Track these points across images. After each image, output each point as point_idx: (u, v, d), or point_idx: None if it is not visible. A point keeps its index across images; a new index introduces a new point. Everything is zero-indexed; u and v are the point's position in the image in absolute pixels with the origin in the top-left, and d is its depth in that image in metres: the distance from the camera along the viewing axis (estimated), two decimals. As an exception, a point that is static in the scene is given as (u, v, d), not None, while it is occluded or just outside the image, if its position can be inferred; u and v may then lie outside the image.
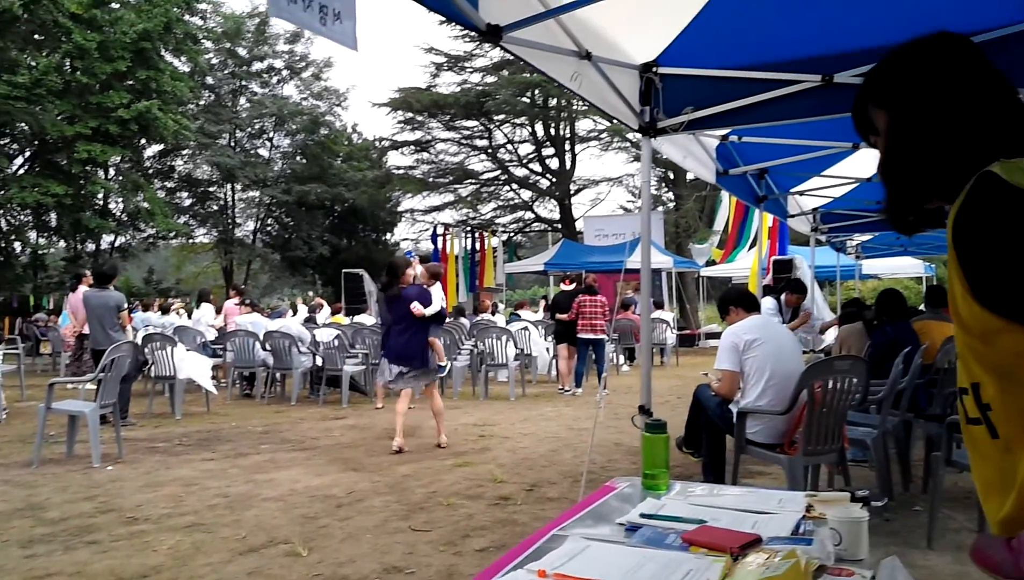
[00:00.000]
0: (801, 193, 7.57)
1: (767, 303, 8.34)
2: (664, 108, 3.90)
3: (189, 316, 14.71)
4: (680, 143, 4.88)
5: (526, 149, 31.00)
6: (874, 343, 5.93)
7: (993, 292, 1.09)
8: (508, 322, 13.65)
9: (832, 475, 5.14)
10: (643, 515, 1.90)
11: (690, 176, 23.12)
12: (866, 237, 11.91)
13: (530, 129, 30.10)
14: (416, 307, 6.88)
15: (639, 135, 4.05)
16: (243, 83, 33.06)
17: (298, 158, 33.67)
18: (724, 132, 5.24)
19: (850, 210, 8.36)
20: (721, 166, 5.79)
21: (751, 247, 14.74)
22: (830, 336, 9.39)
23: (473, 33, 2.66)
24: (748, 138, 5.45)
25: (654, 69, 3.80)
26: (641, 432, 2.28)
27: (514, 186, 31.08)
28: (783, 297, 8.43)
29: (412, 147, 30.57)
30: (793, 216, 8.45)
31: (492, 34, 2.57)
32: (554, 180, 30.03)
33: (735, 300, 4.98)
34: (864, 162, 5.89)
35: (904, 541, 4.23)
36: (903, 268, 19.28)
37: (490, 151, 30.52)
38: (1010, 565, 1.06)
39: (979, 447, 1.18)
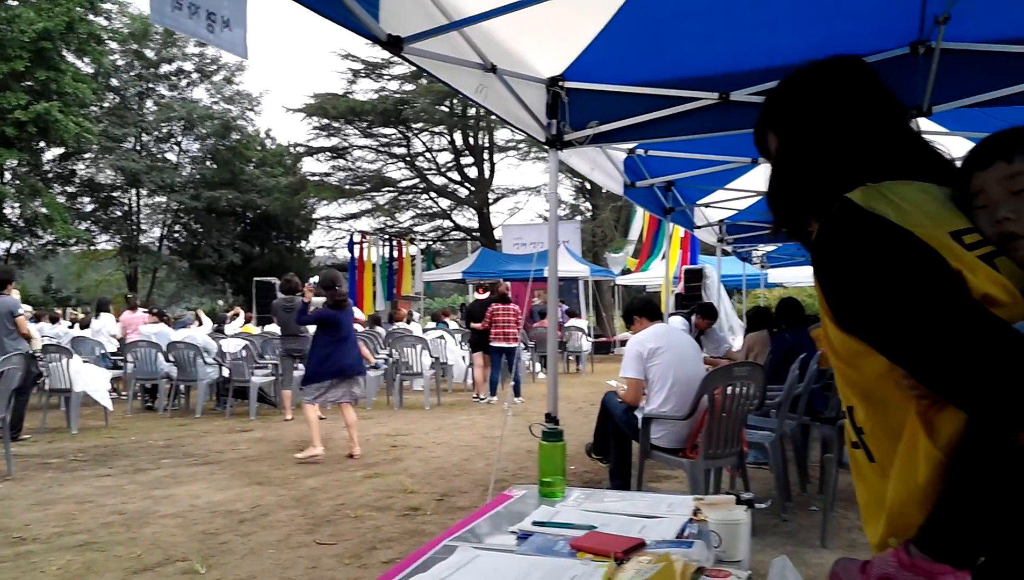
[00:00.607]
0: (707, 205, 7.82)
1: (676, 322, 8.54)
2: (571, 121, 3.97)
3: (82, 327, 14.05)
4: (588, 156, 4.97)
5: (445, 158, 30.96)
6: (774, 349, 6.17)
7: (850, 317, 1.10)
8: (428, 329, 13.60)
9: (733, 477, 5.31)
10: (535, 523, 1.93)
11: (605, 187, 23.51)
12: (770, 247, 12.38)
13: (449, 138, 30.07)
14: (360, 315, 7.06)
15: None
16: (150, 85, 31.87)
17: (208, 163, 32.67)
18: (631, 145, 5.37)
19: (753, 222, 8.68)
20: (629, 178, 5.93)
21: (664, 257, 15.13)
22: (738, 343, 9.71)
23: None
24: (654, 152, 5.60)
25: (560, 83, 3.87)
26: (538, 441, 2.31)
27: (432, 194, 30.95)
28: (693, 318, 8.63)
29: (328, 153, 30.07)
30: (700, 227, 8.72)
31: (393, 45, 2.57)
32: (473, 189, 30.08)
33: (638, 310, 5.12)
34: (764, 176, 6.13)
35: (800, 540, 4.41)
36: (807, 277, 20.07)
37: (408, 159, 30.32)
38: None
39: (861, 471, 1.19)
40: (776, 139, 1.34)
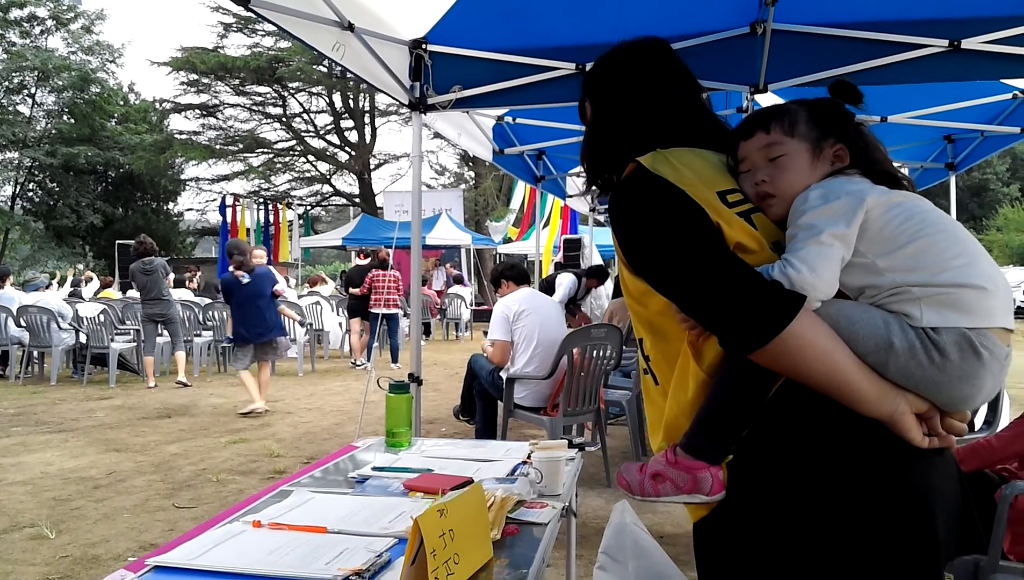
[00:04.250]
0: (578, 175, 8.01)
1: (566, 278, 8.77)
2: (434, 85, 4.00)
3: None
4: (455, 120, 5.01)
5: (323, 120, 30.02)
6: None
7: (635, 260, 1.29)
8: (303, 295, 13.35)
9: (593, 433, 5.57)
10: (375, 468, 2.01)
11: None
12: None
13: (327, 99, 29.17)
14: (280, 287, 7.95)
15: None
16: (-1, 31, 29.24)
17: (65, 117, 30.39)
18: (499, 112, 5.45)
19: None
20: (498, 145, 6.01)
21: (545, 226, 15.44)
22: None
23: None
24: (523, 120, 5.70)
25: (423, 46, 3.88)
26: (385, 393, 2.39)
27: (311, 158, 30.04)
28: (584, 280, 8.88)
29: (197, 111, 28.56)
30: (572, 197, 8.93)
31: (240, -3, 2.53)
32: (353, 153, 29.40)
33: (504, 273, 5.26)
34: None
35: (650, 491, 4.68)
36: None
37: (284, 120, 29.21)
38: (637, 484, 1.31)
39: (649, 392, 1.40)
40: (591, 108, 1.50)
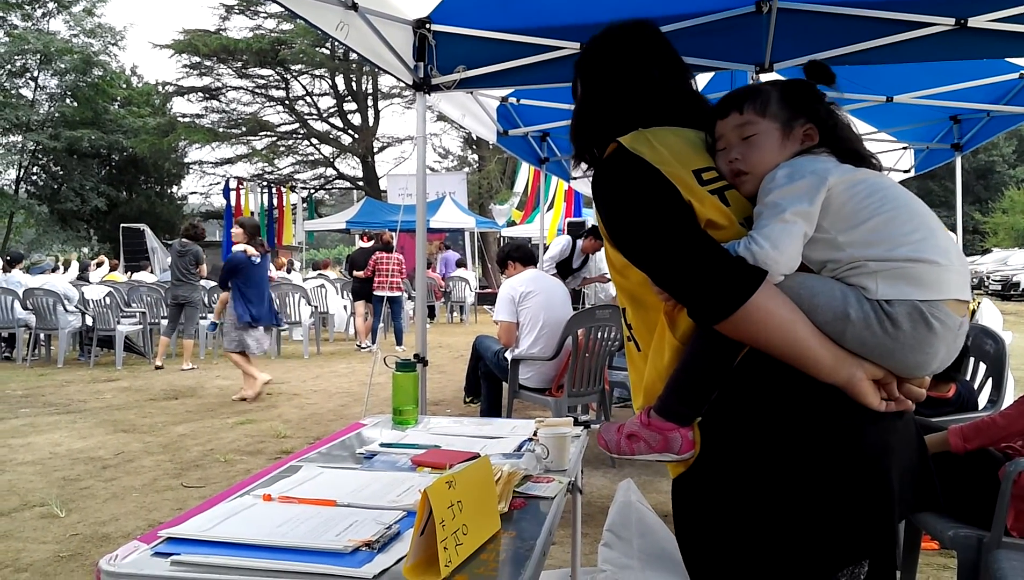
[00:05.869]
0: (580, 155, 7.96)
1: (561, 239, 8.51)
2: (438, 65, 3.99)
3: None
4: (459, 101, 5.00)
5: (326, 103, 29.95)
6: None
7: (615, 236, 1.36)
8: (308, 278, 13.39)
9: (598, 413, 5.59)
10: (383, 444, 2.03)
11: (492, 137, 23.49)
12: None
13: (330, 82, 29.07)
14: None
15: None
16: (1, 15, 29.13)
17: (68, 101, 30.36)
18: (503, 93, 5.43)
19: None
20: (502, 126, 6.00)
21: (549, 209, 15.39)
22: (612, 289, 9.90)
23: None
24: (527, 100, 5.67)
25: (427, 25, 3.87)
26: (392, 372, 2.40)
27: (314, 141, 29.98)
28: (580, 242, 8.36)
29: (200, 94, 28.51)
30: (576, 178, 8.90)
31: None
32: (356, 136, 29.33)
33: (511, 254, 5.27)
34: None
35: (655, 471, 4.72)
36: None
37: (287, 103, 29.15)
38: (614, 443, 1.37)
39: (633, 359, 1.47)
40: (580, 87, 1.56)
